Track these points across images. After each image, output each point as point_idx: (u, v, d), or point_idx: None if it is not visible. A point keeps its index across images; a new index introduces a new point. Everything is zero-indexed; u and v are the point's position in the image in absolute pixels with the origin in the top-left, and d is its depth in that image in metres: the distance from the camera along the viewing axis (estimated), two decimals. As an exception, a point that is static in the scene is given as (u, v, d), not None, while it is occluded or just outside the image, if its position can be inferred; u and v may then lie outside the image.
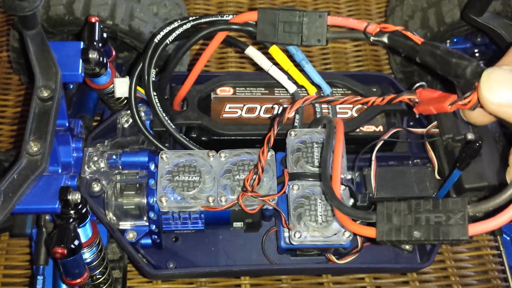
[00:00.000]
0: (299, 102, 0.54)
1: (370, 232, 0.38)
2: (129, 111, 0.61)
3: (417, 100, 0.50)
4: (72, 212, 0.52)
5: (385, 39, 0.49)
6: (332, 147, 0.52)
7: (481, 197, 0.60)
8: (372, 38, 0.49)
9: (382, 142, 0.60)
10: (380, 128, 0.63)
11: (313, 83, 0.61)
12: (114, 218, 0.59)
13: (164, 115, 0.60)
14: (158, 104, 0.60)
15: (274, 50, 0.58)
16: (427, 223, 0.35)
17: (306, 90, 0.61)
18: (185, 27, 0.59)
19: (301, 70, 0.61)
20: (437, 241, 0.35)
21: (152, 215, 0.57)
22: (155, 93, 0.60)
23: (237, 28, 0.55)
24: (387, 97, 0.52)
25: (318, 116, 0.61)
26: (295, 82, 0.62)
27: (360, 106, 0.64)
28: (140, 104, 0.62)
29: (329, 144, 0.52)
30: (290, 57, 0.60)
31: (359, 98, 0.55)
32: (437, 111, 0.46)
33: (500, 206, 0.35)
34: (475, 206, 0.35)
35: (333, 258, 0.61)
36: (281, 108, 0.63)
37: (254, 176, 0.53)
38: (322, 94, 0.61)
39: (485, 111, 0.37)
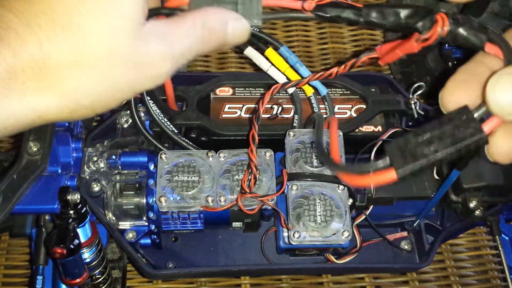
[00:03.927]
0: (268, 94, 0.54)
1: (389, 174, 0.36)
2: (128, 111, 0.62)
3: (377, 56, 0.50)
4: (71, 212, 0.53)
5: (324, 12, 0.48)
6: (322, 131, 0.53)
7: (480, 198, 0.60)
8: (310, 13, 0.48)
9: (381, 142, 0.60)
10: (379, 128, 0.63)
11: (310, 84, 0.62)
12: (114, 218, 0.59)
13: (161, 117, 0.60)
14: (154, 108, 0.60)
15: (270, 52, 0.58)
16: (440, 139, 0.34)
17: (303, 91, 0.61)
18: None
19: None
20: (457, 150, 0.34)
21: (151, 215, 0.57)
22: (148, 97, 0.60)
23: (167, 13, 0.51)
24: (349, 63, 0.51)
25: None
26: (294, 83, 0.62)
27: (358, 106, 0.64)
28: (139, 104, 0.62)
29: (320, 129, 0.53)
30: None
31: (322, 73, 0.55)
32: (403, 53, 0.46)
33: None
34: (478, 108, 0.34)
35: (332, 258, 0.61)
36: (280, 108, 0.64)
37: (249, 176, 0.53)
38: (319, 96, 0.61)
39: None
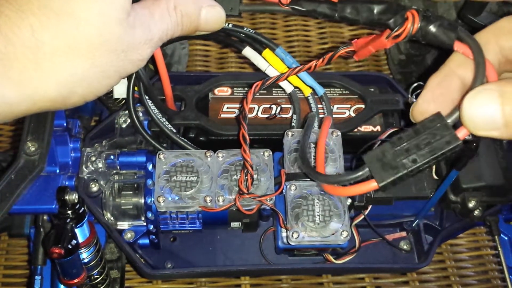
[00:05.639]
0: (251, 93, 0.54)
1: (370, 184, 0.36)
2: (127, 111, 0.62)
3: (354, 50, 0.50)
4: (69, 212, 0.52)
5: (300, 6, 0.48)
6: (309, 134, 0.53)
7: (479, 198, 0.59)
8: (286, 7, 0.48)
9: (379, 142, 0.60)
10: (378, 128, 0.63)
11: (307, 84, 0.61)
12: (112, 218, 0.59)
13: (159, 117, 0.60)
14: (152, 107, 0.60)
15: (267, 53, 0.58)
16: (418, 149, 0.35)
17: (301, 91, 0.61)
18: None
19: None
20: (434, 159, 0.35)
21: (149, 215, 0.57)
22: (147, 96, 0.60)
23: None
24: (327, 56, 0.52)
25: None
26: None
27: (357, 106, 0.64)
28: (138, 105, 0.62)
29: (308, 131, 0.53)
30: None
31: (301, 66, 0.55)
32: (376, 48, 0.47)
33: None
34: (451, 114, 0.34)
35: (331, 258, 0.61)
36: (279, 108, 0.63)
37: (246, 176, 0.53)
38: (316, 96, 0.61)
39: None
